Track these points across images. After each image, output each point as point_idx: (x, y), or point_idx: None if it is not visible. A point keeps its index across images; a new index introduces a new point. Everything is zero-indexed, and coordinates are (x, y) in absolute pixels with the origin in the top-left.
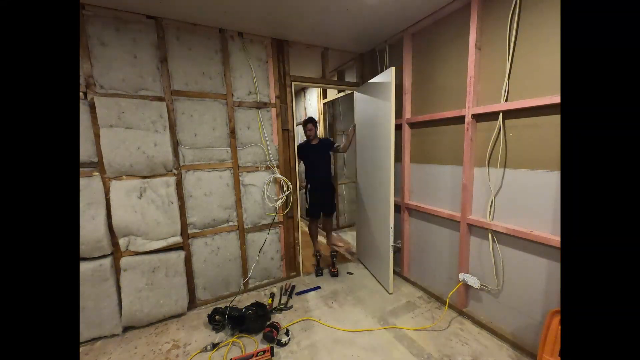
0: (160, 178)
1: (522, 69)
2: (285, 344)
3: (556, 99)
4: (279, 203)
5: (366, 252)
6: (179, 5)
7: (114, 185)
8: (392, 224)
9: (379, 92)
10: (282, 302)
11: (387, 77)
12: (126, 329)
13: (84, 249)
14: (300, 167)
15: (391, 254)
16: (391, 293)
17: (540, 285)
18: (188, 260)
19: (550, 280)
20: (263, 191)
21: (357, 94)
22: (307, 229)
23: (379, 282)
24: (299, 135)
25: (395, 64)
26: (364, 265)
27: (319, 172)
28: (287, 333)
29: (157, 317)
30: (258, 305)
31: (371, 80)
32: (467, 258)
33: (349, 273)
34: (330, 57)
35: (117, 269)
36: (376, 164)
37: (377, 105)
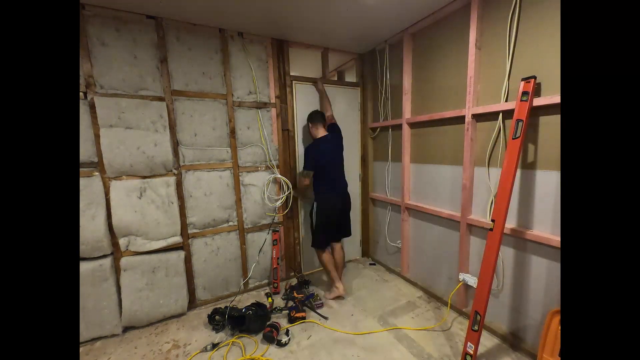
0: (160, 178)
1: (522, 69)
2: (285, 344)
3: (556, 99)
4: (278, 203)
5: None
6: (179, 5)
7: (114, 185)
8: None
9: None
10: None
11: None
12: (126, 329)
13: (84, 249)
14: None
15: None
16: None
17: (540, 285)
18: (188, 260)
19: (550, 280)
20: (263, 191)
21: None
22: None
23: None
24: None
25: (395, 64)
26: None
27: (338, 180)
28: (287, 333)
29: (157, 317)
30: (258, 305)
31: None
32: (467, 258)
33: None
34: (330, 57)
35: (117, 269)
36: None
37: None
